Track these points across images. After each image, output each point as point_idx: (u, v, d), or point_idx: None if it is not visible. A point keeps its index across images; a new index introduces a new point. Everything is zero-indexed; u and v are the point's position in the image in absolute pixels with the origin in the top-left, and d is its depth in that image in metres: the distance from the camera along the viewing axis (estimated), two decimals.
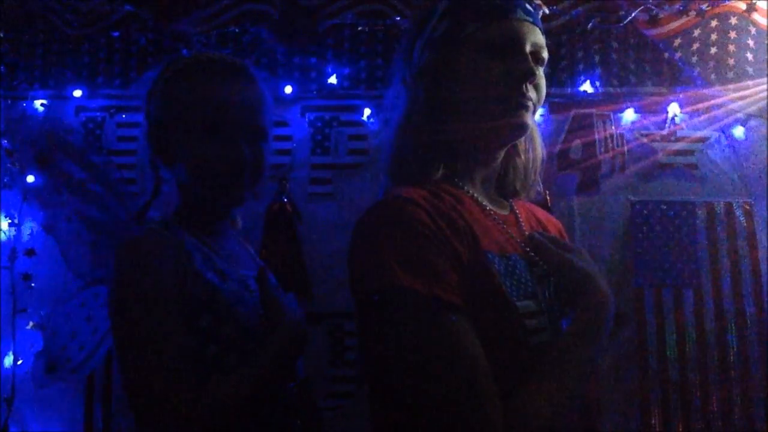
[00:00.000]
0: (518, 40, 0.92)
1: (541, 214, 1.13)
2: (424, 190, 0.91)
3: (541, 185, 1.11)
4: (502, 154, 1.02)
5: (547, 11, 1.00)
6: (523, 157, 1.07)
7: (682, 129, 2.46)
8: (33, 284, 2.44)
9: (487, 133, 0.95)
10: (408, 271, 0.80)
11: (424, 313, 0.80)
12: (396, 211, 0.86)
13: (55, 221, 2.21)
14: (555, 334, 0.88)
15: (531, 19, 0.94)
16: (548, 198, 2.29)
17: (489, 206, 0.99)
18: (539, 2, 0.98)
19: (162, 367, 0.96)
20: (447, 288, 0.81)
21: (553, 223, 1.13)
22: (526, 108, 0.94)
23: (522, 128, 0.95)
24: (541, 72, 0.96)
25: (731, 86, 2.42)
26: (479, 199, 0.98)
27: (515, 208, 1.06)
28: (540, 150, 1.08)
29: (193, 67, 1.15)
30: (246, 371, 1.03)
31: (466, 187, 0.98)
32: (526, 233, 1.00)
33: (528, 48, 0.93)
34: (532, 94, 0.94)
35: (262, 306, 1.14)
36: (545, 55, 0.96)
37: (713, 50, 2.44)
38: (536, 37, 0.94)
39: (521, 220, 1.04)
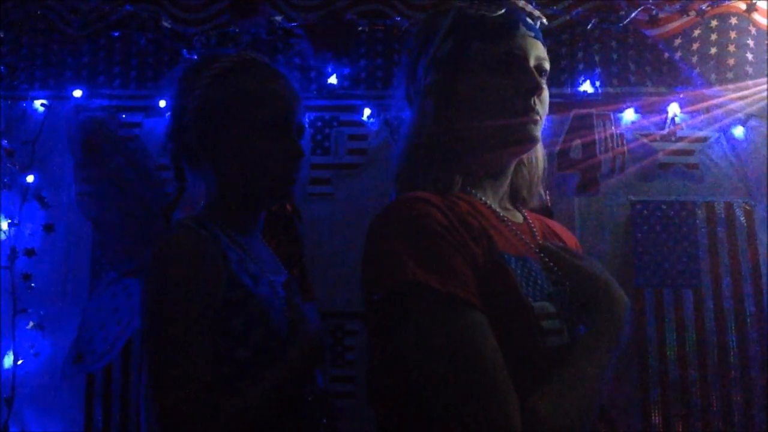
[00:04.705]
0: (523, 56, 0.94)
1: (557, 227, 1.13)
2: (439, 195, 0.91)
3: (543, 192, 1.13)
4: (512, 167, 1.03)
5: (546, 22, 1.02)
6: (527, 166, 1.08)
7: (682, 129, 2.46)
8: (33, 284, 2.44)
9: (497, 147, 0.97)
10: (424, 268, 0.79)
11: (441, 310, 0.79)
12: (410, 209, 0.86)
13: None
14: (572, 337, 0.87)
15: (533, 34, 0.96)
16: (548, 198, 2.28)
17: (503, 214, 1.00)
18: (539, 14, 1.00)
19: (189, 370, 0.96)
20: (463, 286, 0.80)
21: (569, 236, 1.14)
22: (535, 121, 0.95)
23: (532, 141, 0.97)
24: (544, 84, 0.98)
25: (731, 86, 2.42)
26: (493, 207, 0.99)
27: (528, 218, 1.07)
28: (542, 159, 1.09)
29: (242, 66, 1.15)
30: (266, 379, 1.03)
31: (479, 195, 0.99)
32: (540, 241, 1.00)
33: (532, 62, 0.95)
34: (538, 107, 0.96)
35: (289, 313, 1.15)
36: (547, 66, 0.98)
37: (713, 50, 2.44)
38: (539, 50, 0.97)
39: (535, 229, 1.04)
